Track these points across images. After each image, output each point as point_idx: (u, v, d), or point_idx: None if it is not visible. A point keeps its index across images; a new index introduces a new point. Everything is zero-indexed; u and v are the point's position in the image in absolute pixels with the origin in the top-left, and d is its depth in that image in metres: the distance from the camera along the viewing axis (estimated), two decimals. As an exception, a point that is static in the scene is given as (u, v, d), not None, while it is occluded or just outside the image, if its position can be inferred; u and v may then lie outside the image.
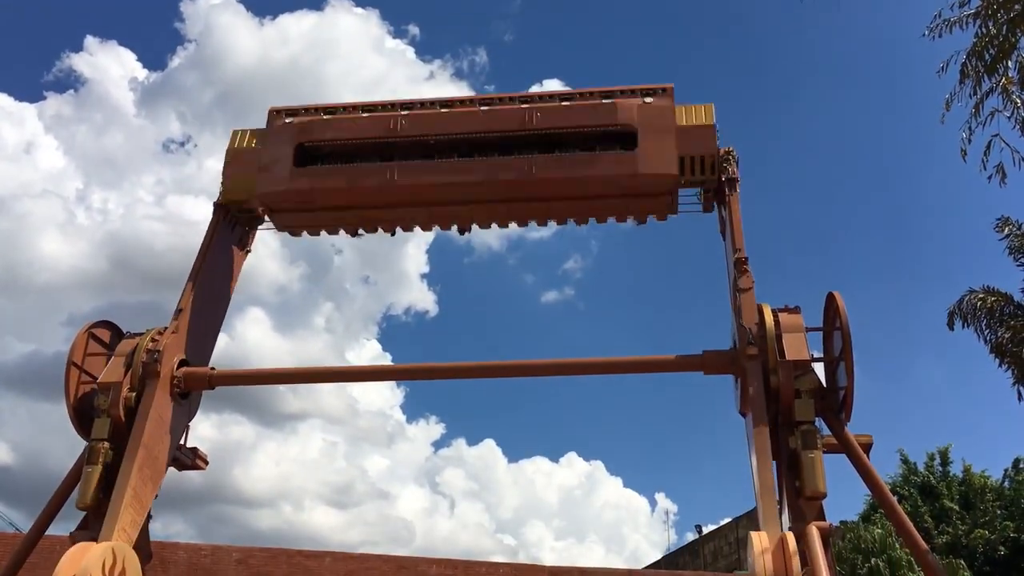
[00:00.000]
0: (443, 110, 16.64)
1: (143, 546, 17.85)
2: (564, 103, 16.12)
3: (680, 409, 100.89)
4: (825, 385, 17.94)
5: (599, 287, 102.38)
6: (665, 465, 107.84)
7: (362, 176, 16.60)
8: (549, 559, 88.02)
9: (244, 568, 29.59)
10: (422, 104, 17.11)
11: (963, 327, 18.49)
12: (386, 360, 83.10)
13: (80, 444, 19.33)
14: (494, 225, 18.54)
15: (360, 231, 17.90)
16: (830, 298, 18.46)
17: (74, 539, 18.15)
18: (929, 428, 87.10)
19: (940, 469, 32.86)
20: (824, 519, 16.62)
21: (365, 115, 16.85)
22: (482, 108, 16.52)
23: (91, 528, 18.37)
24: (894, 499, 17.79)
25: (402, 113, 16.58)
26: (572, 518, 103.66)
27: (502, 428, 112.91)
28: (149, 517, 20.20)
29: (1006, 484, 32.26)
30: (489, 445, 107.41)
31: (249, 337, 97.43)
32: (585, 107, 16.39)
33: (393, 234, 17.77)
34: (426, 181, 16.19)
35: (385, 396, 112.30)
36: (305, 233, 18.47)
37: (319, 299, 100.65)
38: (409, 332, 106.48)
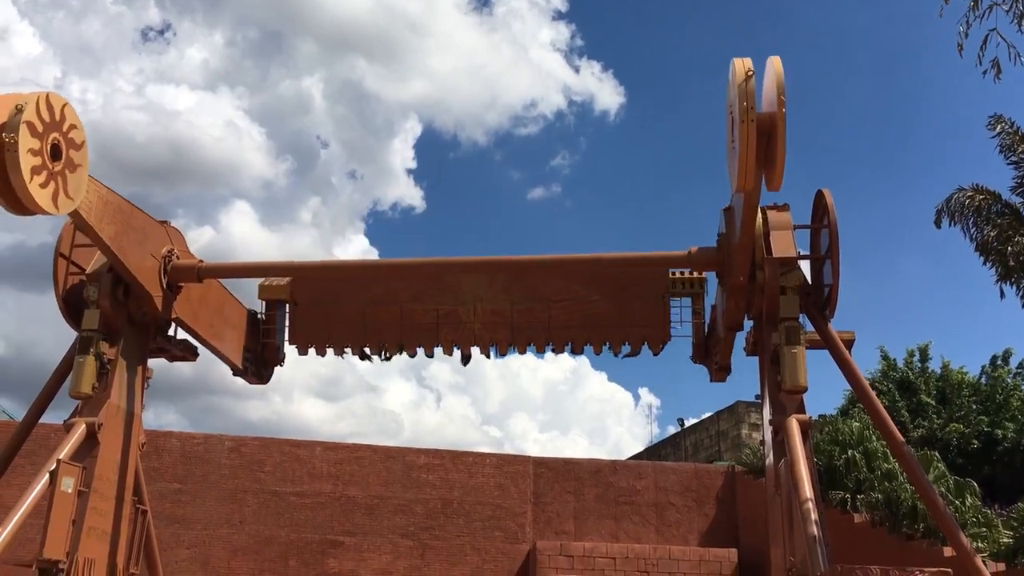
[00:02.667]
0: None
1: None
2: None
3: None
4: (810, 282, 18.16)
5: (587, 185, 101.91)
6: (649, 361, 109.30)
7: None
8: (534, 451, 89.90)
9: (236, 456, 30.23)
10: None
11: (950, 225, 18.56)
12: (373, 255, 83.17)
13: (70, 334, 19.48)
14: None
15: None
16: (819, 195, 18.49)
17: (68, 426, 18.50)
18: (910, 326, 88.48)
19: (919, 365, 33.44)
20: (804, 412, 17.06)
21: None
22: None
23: (84, 415, 18.70)
24: (873, 393, 18.22)
25: None
26: (556, 412, 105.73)
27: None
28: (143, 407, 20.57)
29: (983, 380, 32.92)
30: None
31: (235, 231, 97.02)
32: None
33: None
34: None
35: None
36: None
37: (305, 193, 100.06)
38: (396, 227, 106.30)
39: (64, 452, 18.19)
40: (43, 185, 12.42)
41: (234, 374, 21.32)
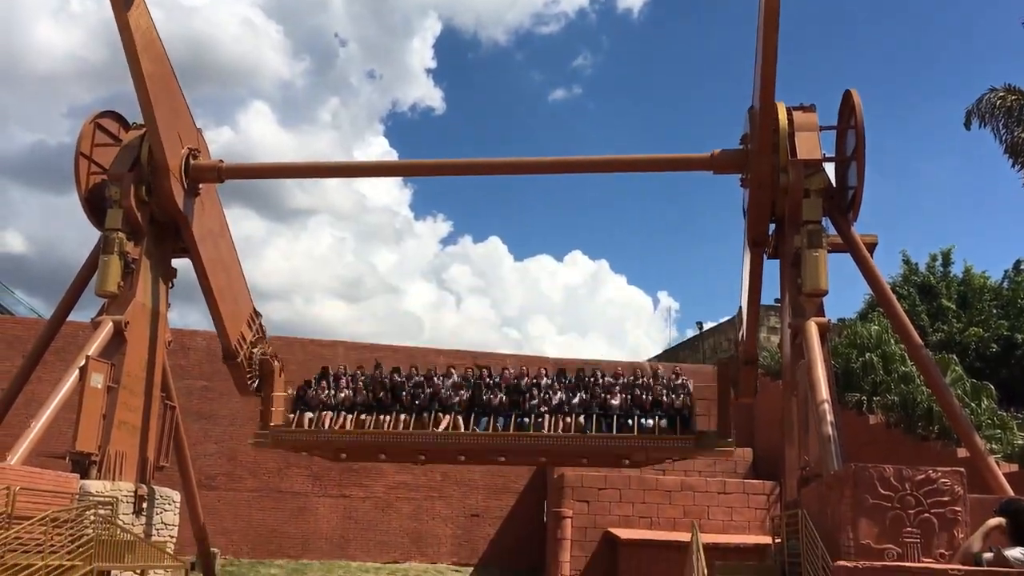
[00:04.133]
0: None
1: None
2: None
3: (686, 210, 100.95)
4: (834, 185, 17.96)
5: (609, 86, 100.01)
6: (669, 264, 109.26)
7: None
8: (552, 352, 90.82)
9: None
10: None
11: (980, 127, 18.15)
12: (392, 157, 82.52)
13: (93, 234, 19.65)
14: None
15: None
16: (846, 96, 18.10)
17: (96, 324, 18.83)
18: (934, 230, 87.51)
19: (941, 270, 33.19)
20: (823, 315, 17.10)
21: None
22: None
23: (111, 313, 19.01)
24: (893, 297, 18.21)
25: None
26: (575, 315, 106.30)
27: (508, 226, 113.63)
28: (168, 305, 20.80)
29: (1005, 285, 32.67)
30: (495, 243, 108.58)
31: (253, 132, 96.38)
32: None
33: None
34: None
35: (393, 194, 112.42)
36: None
37: (324, 93, 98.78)
38: (416, 129, 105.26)
39: (92, 349, 18.62)
40: None
41: (224, 358, 21.50)
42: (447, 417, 20.60)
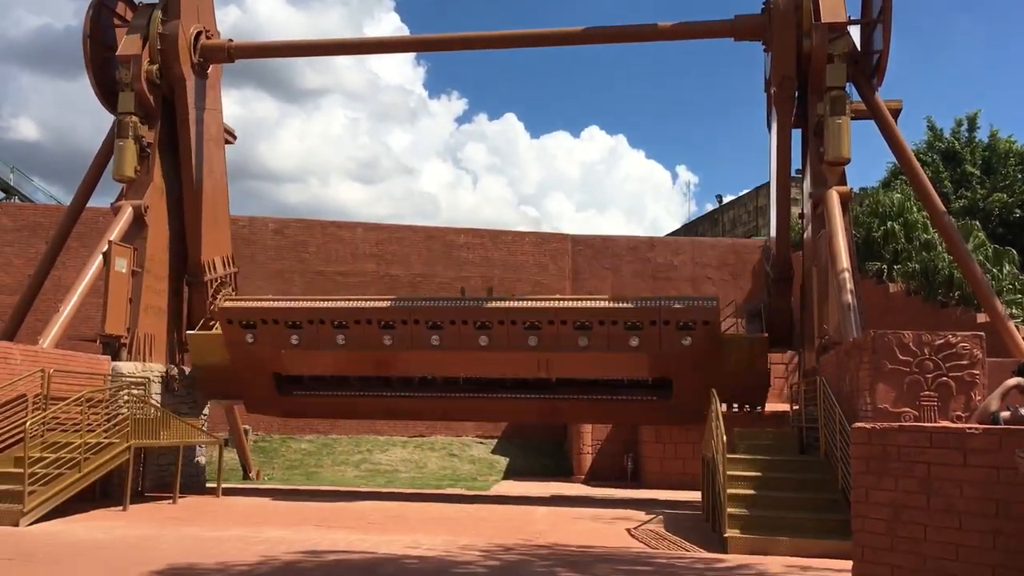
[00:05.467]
0: None
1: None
2: None
3: (706, 82, 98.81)
4: (859, 49, 17.46)
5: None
6: (688, 138, 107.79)
7: None
8: (571, 230, 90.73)
9: (281, 238, 30.93)
10: None
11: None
12: (404, 33, 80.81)
13: (107, 119, 19.54)
14: None
15: None
16: (872, -46, 17.38)
17: (116, 209, 18.94)
18: (961, 95, 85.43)
19: (966, 135, 32.55)
20: (845, 184, 16.92)
21: None
22: None
23: (131, 198, 19.09)
24: (917, 163, 17.94)
25: None
26: (593, 191, 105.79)
27: (524, 103, 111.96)
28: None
29: (1030, 149, 32.09)
30: (510, 120, 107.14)
31: (261, 10, 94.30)
32: None
33: None
34: None
35: (406, 72, 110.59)
36: None
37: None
38: (427, 3, 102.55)
39: (114, 234, 18.77)
40: None
41: (188, 274, 20.64)
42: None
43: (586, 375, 19.04)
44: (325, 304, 19.04)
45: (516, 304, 18.46)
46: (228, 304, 19.44)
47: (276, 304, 19.34)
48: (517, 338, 18.14)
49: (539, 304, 18.40)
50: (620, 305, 17.97)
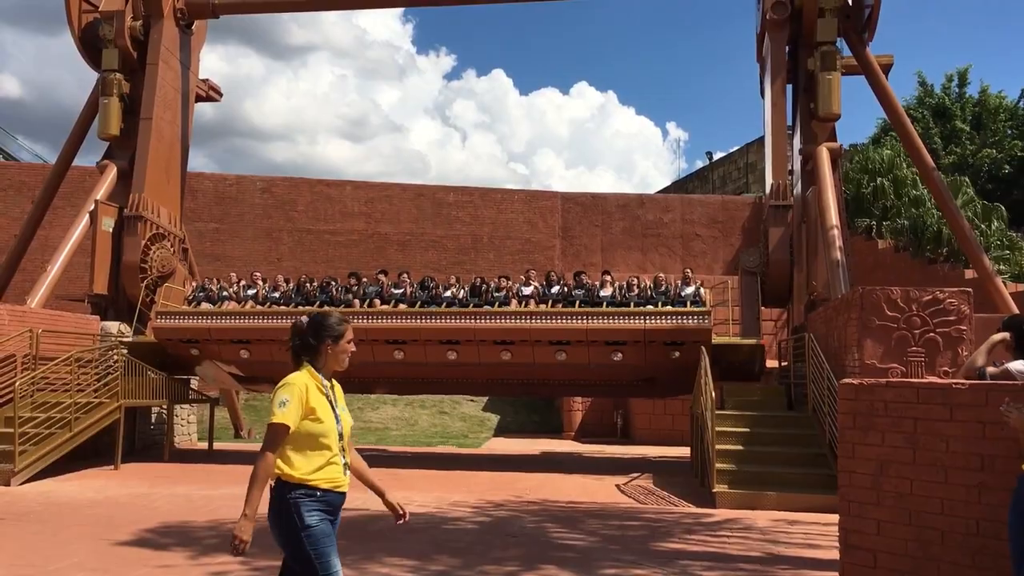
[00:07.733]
0: None
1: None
2: None
3: (696, 38, 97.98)
4: (850, 3, 17.30)
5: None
6: (678, 94, 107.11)
7: None
8: (560, 187, 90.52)
9: (268, 196, 30.74)
10: None
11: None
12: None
13: (90, 76, 19.27)
14: None
15: None
16: (866, -97, 17.16)
17: (102, 168, 18.75)
18: (952, 49, 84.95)
19: (956, 91, 32.46)
20: (835, 140, 16.87)
21: None
22: None
23: (116, 157, 18.88)
24: (907, 119, 17.88)
25: None
26: (583, 148, 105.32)
27: (512, 59, 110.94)
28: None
29: (1021, 104, 32.03)
30: (499, 76, 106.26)
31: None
32: None
33: None
34: None
35: (394, 28, 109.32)
36: None
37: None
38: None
39: (100, 193, 18.61)
40: None
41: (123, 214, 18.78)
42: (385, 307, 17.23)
43: (565, 379, 18.00)
44: (264, 322, 17.01)
45: (485, 324, 16.70)
46: (158, 324, 17.46)
47: (210, 323, 17.28)
48: (489, 354, 16.86)
49: (511, 324, 16.61)
50: (603, 324, 16.24)
